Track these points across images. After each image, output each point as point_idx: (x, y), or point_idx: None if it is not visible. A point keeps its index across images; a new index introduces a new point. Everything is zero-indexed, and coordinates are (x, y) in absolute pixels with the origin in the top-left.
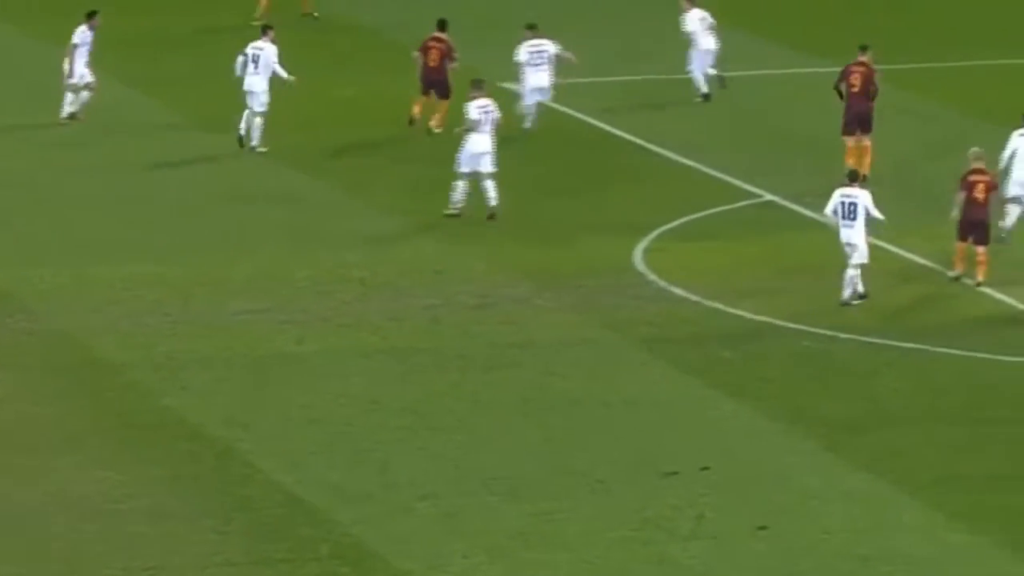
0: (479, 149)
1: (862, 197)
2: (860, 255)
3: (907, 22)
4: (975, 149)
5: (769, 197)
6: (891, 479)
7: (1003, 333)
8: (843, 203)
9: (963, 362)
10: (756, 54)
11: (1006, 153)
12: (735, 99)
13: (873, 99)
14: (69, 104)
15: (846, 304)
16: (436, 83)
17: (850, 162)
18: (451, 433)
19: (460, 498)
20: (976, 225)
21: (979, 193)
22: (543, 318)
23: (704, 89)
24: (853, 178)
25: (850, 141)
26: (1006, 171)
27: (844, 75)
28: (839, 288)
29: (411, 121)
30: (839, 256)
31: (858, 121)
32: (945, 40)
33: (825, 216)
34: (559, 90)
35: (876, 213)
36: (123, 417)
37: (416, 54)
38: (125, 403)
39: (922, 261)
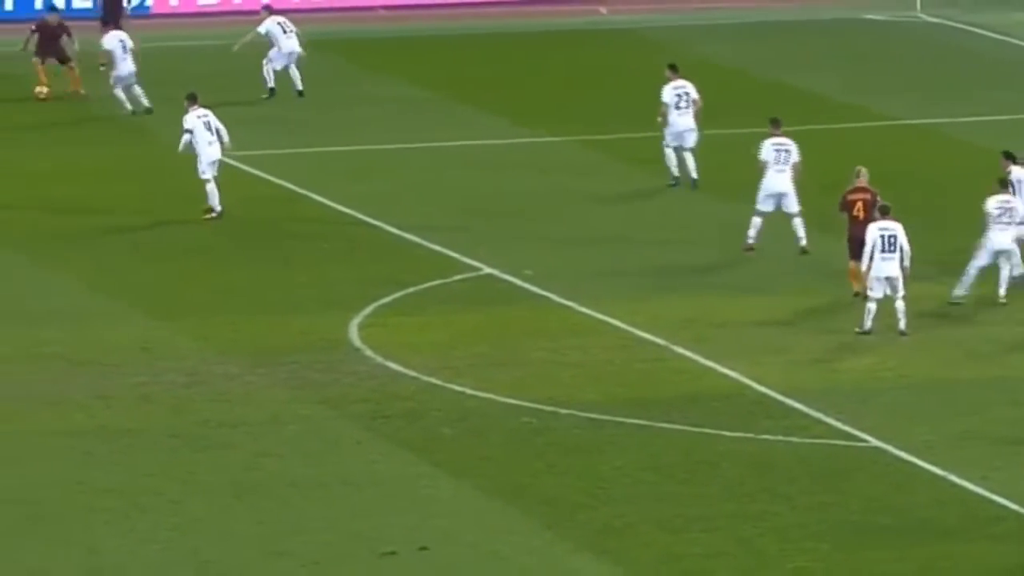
0: (779, 188)
1: (899, 229)
2: (901, 287)
3: (614, 98)
4: (859, 167)
5: (488, 270)
6: (612, 559)
7: (724, 407)
8: (882, 236)
9: (685, 437)
10: (472, 124)
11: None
12: (452, 170)
13: None
14: None
15: (903, 334)
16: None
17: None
18: (161, 516)
19: None
20: (861, 243)
21: (858, 212)
22: (256, 395)
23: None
24: (885, 212)
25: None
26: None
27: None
28: (559, 363)
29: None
30: (559, 328)
31: None
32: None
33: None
34: (269, 160)
35: (907, 246)
36: None
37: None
38: None
39: (643, 334)
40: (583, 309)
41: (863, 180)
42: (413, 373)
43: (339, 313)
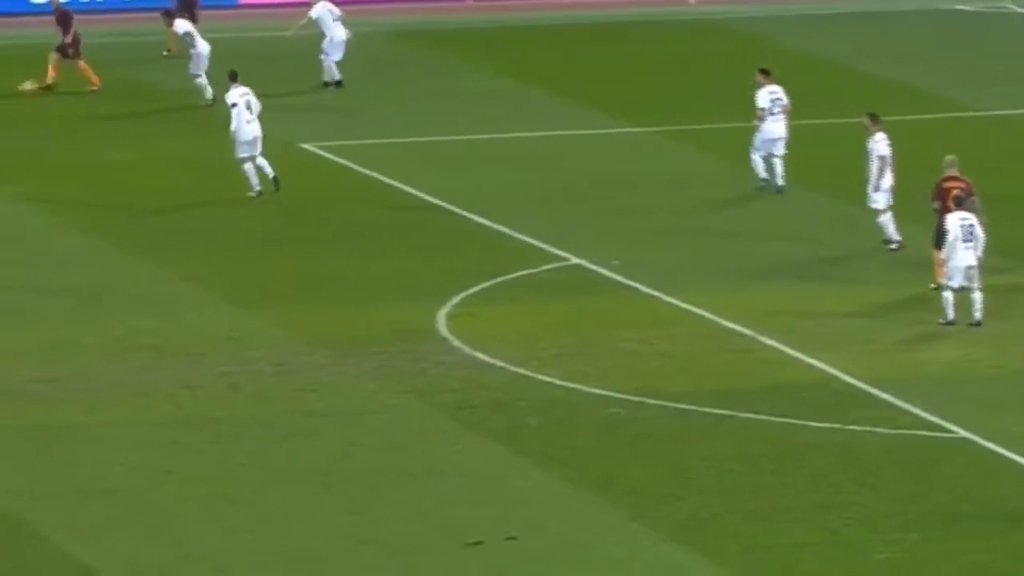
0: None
1: (975, 219)
2: (977, 277)
3: (701, 86)
4: (949, 157)
5: (575, 260)
6: (698, 549)
7: (810, 398)
8: (962, 226)
9: (772, 428)
10: (561, 115)
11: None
12: (539, 161)
13: None
14: None
15: (977, 324)
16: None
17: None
18: (249, 505)
19: (257, 571)
20: None
21: (952, 201)
22: (344, 385)
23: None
24: (960, 203)
25: None
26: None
27: None
28: (646, 353)
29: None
30: (646, 319)
31: None
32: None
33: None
34: (360, 150)
35: (982, 235)
36: None
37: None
38: None
39: (729, 324)
40: (670, 299)
41: (955, 169)
42: (500, 363)
43: (427, 303)
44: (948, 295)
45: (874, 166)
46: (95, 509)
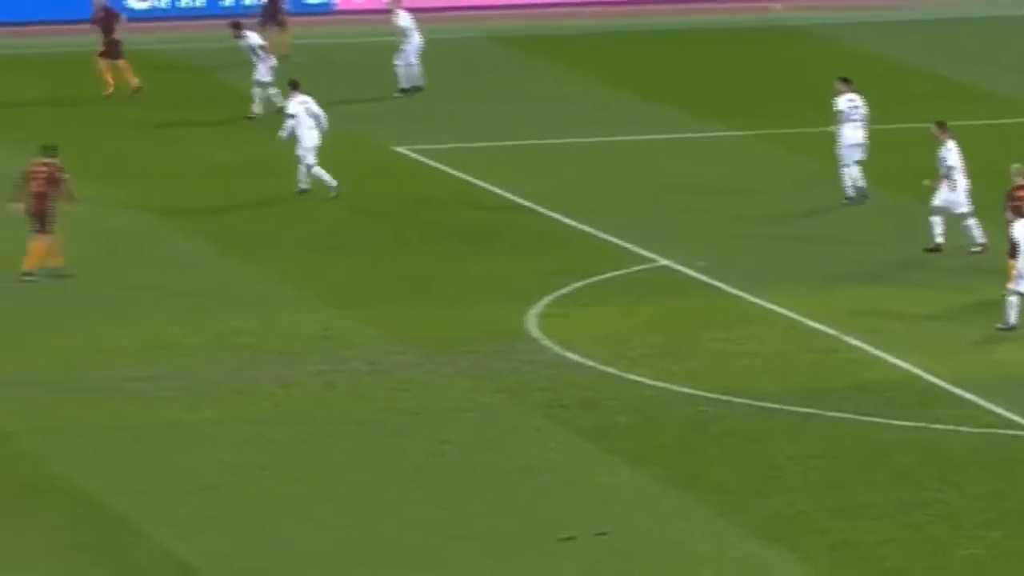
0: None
1: None
2: None
3: (800, 88)
4: (1016, 165)
5: (663, 262)
6: (784, 545)
7: (894, 397)
8: None
9: (856, 426)
10: (649, 118)
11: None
12: (628, 163)
13: None
14: None
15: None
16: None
17: None
18: (344, 502)
19: (352, 568)
20: None
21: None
22: (437, 384)
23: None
24: (1019, 212)
25: None
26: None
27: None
28: (732, 353)
29: None
30: (733, 319)
31: None
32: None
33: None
34: (452, 153)
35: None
36: (12, 486)
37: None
38: (15, 472)
39: (814, 324)
40: (756, 300)
41: (1023, 177)
42: (590, 363)
43: (518, 303)
44: (1013, 299)
45: (946, 173)
46: (194, 506)
